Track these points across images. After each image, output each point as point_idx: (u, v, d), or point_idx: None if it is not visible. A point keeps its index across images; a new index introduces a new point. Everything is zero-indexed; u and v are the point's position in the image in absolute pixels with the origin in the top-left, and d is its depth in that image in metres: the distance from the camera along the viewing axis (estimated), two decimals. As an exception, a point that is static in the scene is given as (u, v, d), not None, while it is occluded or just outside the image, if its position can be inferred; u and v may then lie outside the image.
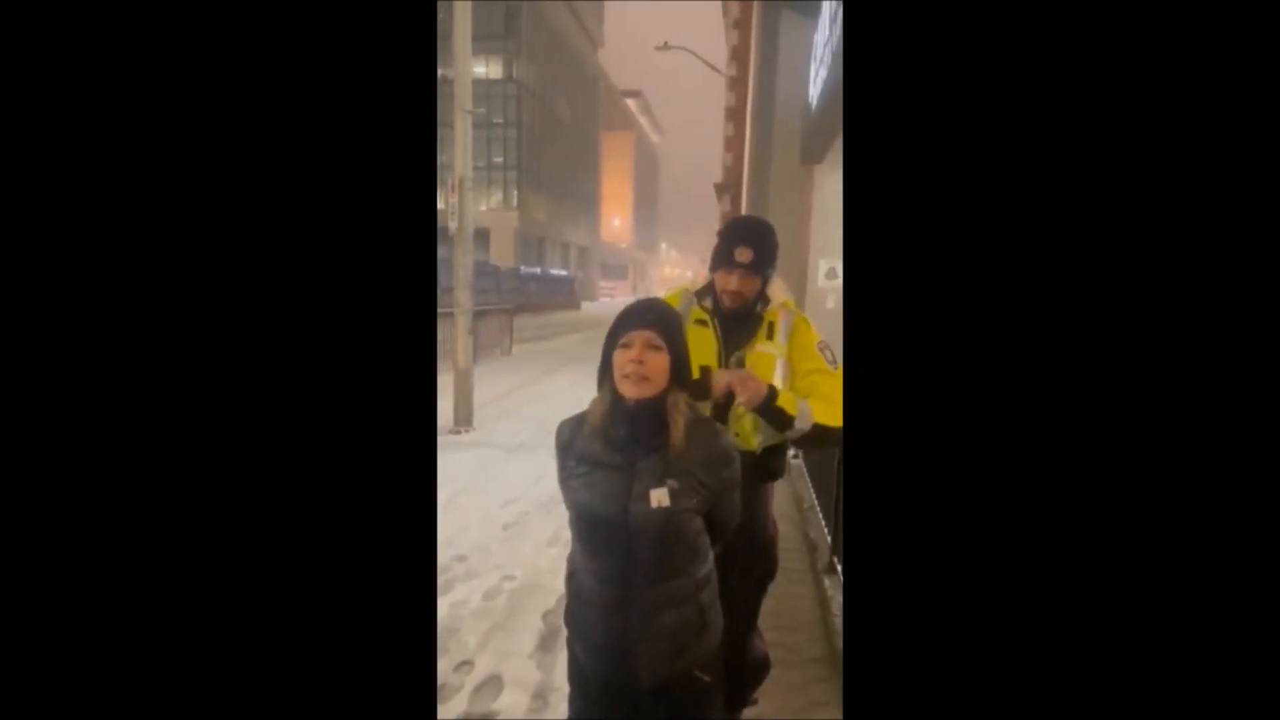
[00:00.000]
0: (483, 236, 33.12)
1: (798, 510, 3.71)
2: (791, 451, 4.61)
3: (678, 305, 1.56)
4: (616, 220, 64.03)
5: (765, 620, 2.44)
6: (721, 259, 1.49)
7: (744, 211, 6.35)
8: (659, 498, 1.08)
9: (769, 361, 1.49)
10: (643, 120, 71.43)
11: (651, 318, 1.11)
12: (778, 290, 1.55)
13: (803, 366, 1.51)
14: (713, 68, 15.52)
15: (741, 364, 1.49)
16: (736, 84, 12.02)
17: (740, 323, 1.52)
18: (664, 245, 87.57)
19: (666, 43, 16.61)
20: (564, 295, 30.75)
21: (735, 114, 12.13)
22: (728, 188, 12.11)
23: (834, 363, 1.52)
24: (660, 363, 1.09)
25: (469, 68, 5.28)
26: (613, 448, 1.12)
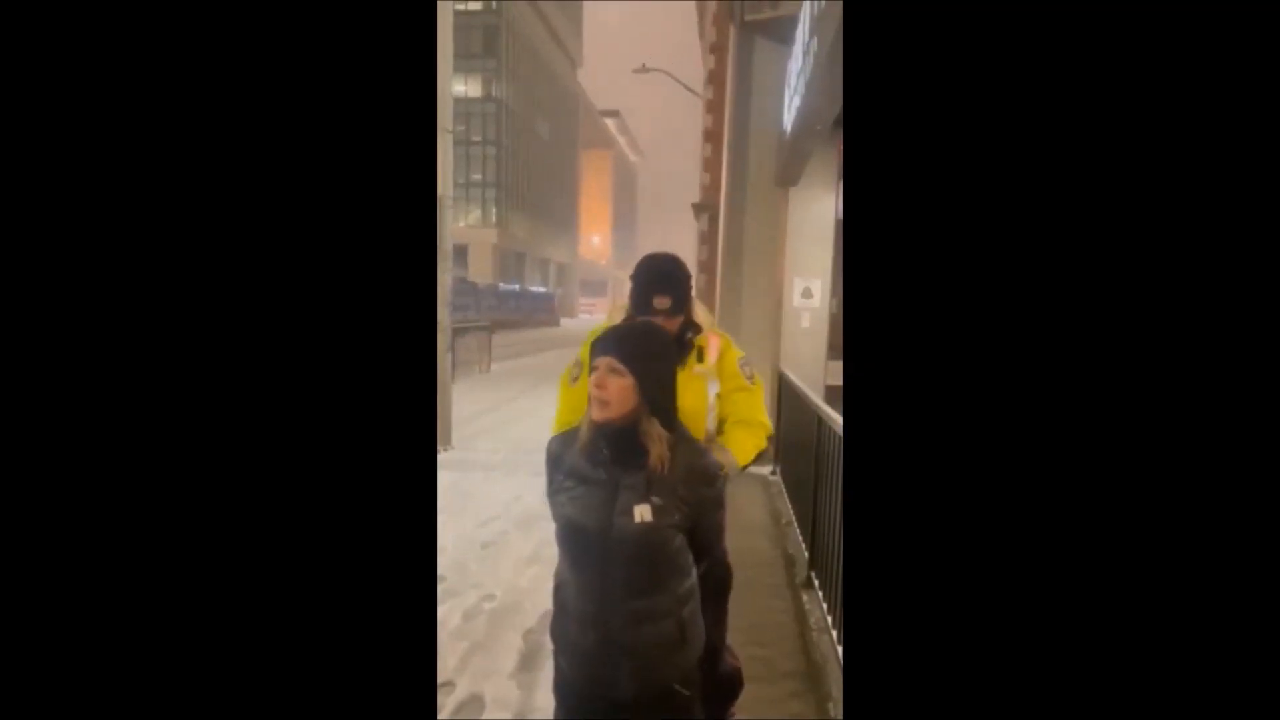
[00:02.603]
0: (461, 253, 32.99)
1: (775, 525, 3.75)
2: (769, 469, 4.68)
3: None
4: (595, 238, 64.28)
5: (742, 635, 2.47)
6: (641, 306, 1.55)
7: (721, 231, 6.46)
8: (642, 513, 1.12)
9: (701, 383, 1.61)
10: (621, 139, 72.13)
11: (612, 344, 1.15)
12: (703, 315, 1.65)
13: (726, 385, 1.65)
14: (690, 90, 15.79)
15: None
16: (714, 107, 12.23)
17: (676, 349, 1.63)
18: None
19: (645, 65, 16.87)
20: (545, 313, 30.67)
21: (712, 136, 12.33)
22: (706, 207, 12.28)
23: (751, 379, 1.68)
24: (620, 387, 1.12)
25: (450, 86, 5.33)
26: (598, 464, 1.16)
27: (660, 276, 1.56)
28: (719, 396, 1.65)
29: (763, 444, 1.65)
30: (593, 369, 1.15)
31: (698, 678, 1.24)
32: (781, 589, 2.97)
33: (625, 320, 1.62)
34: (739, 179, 5.31)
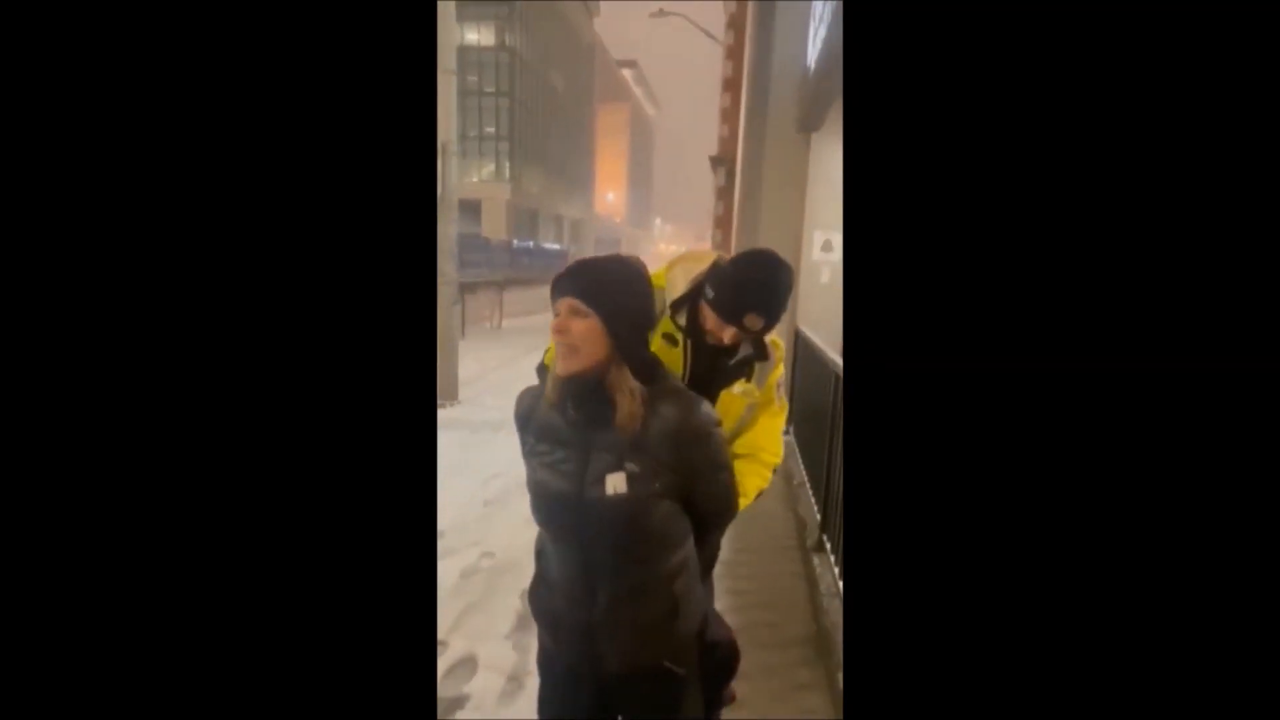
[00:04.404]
0: (474, 208, 32.57)
1: (787, 486, 3.64)
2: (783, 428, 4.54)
3: (663, 284, 1.39)
4: (611, 194, 63.42)
5: (751, 599, 2.37)
6: (729, 313, 1.26)
7: (738, 180, 6.17)
8: (615, 483, 0.96)
9: (740, 403, 1.40)
10: (638, 91, 70.30)
11: (570, 282, 0.95)
12: (775, 339, 1.41)
13: (760, 397, 1.41)
14: (709, 35, 15.15)
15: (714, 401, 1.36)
16: (734, 53, 11.71)
17: (720, 358, 1.36)
18: (658, 221, 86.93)
19: (662, 9, 16.19)
20: (560, 270, 30.28)
21: (732, 84, 11.85)
22: (723, 161, 11.86)
23: (781, 402, 1.45)
24: (587, 329, 0.93)
25: (452, 25, 5.05)
26: (569, 424, 1.00)
27: (765, 298, 1.24)
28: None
29: (767, 482, 1.42)
30: (555, 314, 0.97)
31: (694, 654, 1.12)
32: (792, 552, 2.86)
33: (694, 283, 1.33)
34: (758, 124, 5.01)
